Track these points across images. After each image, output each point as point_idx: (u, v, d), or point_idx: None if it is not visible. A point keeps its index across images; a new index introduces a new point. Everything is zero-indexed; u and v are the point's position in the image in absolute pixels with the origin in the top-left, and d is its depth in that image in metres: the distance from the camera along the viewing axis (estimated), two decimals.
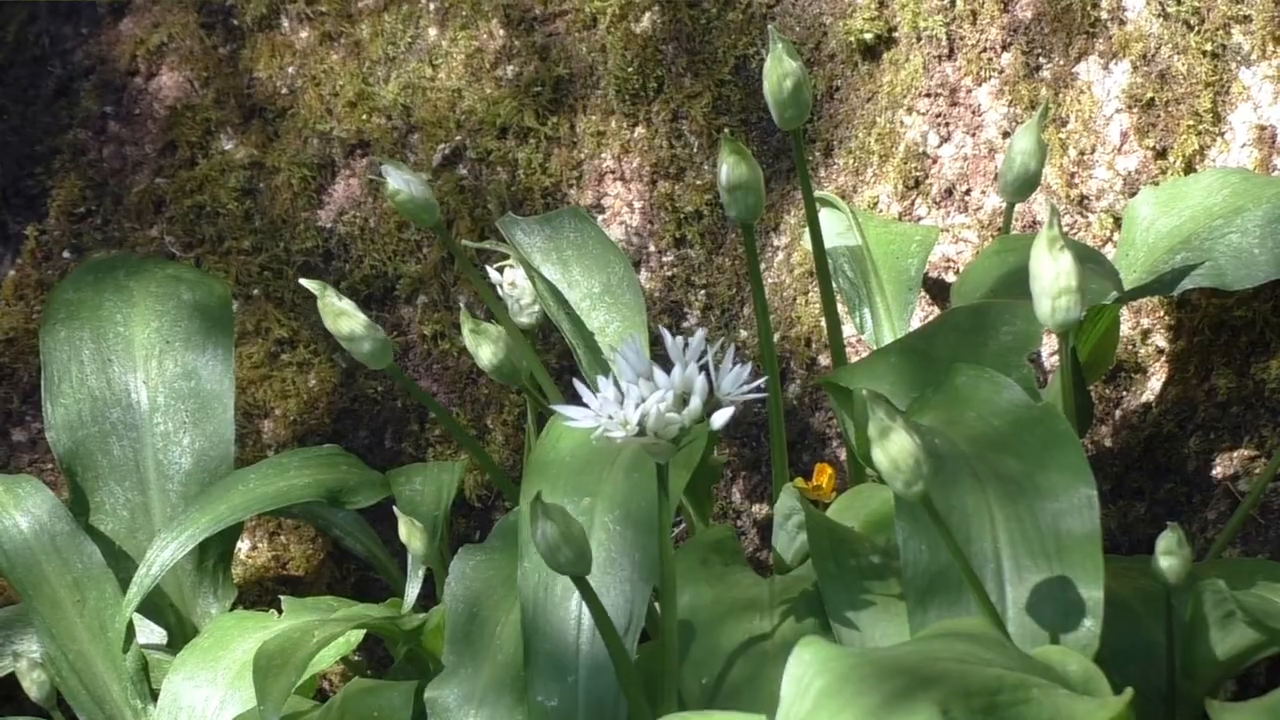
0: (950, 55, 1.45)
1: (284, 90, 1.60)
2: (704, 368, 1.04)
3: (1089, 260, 1.19)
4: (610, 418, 1.03)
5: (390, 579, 1.43)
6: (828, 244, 1.36)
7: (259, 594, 1.55)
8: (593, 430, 1.03)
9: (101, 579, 1.34)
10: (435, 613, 1.28)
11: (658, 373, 1.04)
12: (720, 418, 1.04)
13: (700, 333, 1.06)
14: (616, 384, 1.04)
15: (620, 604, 1.13)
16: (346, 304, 1.26)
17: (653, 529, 1.14)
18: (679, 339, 1.05)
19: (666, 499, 1.08)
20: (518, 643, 1.15)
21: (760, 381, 1.04)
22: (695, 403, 1.04)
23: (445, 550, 1.34)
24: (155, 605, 1.40)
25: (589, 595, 1.09)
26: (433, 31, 1.57)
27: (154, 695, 1.32)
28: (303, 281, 1.27)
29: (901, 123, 1.46)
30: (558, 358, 1.50)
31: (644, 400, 1.04)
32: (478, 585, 1.20)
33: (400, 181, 1.27)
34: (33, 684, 1.33)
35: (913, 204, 1.46)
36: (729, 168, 1.21)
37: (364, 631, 1.27)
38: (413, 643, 1.28)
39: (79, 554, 1.34)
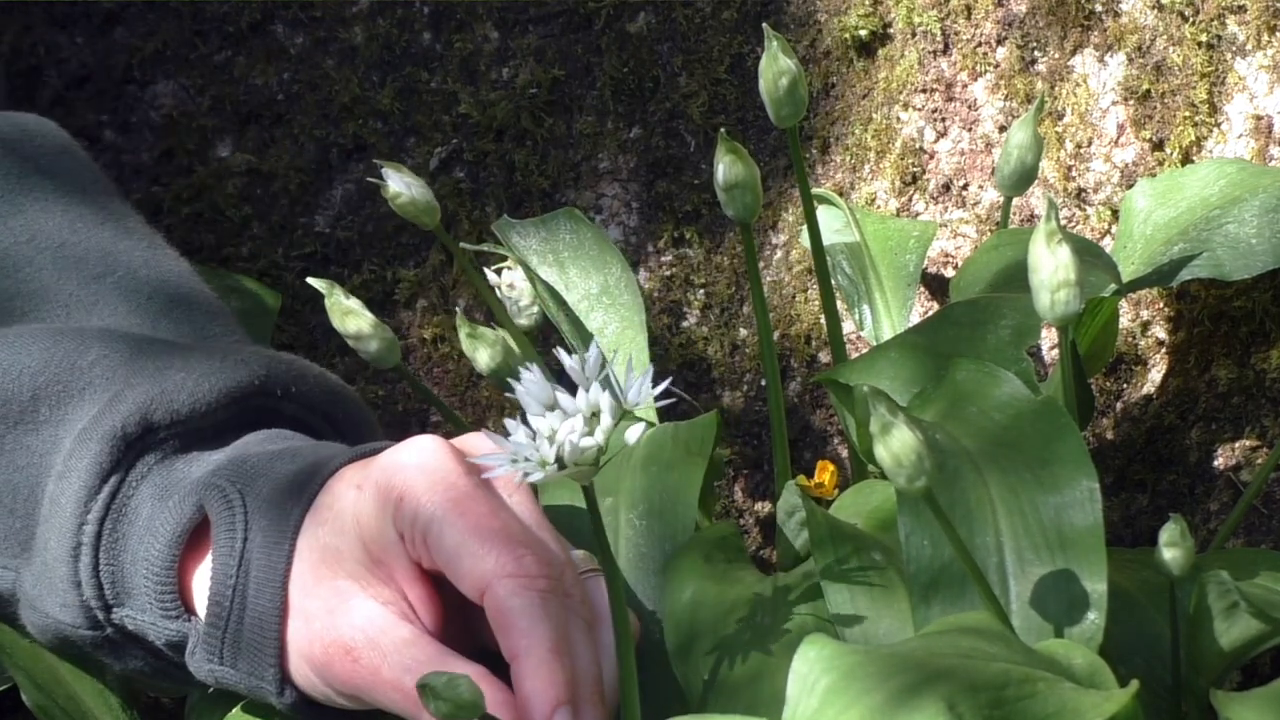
0: (945, 50, 1.45)
1: (280, 96, 1.60)
2: (607, 383, 1.02)
3: (1087, 253, 1.19)
4: (527, 459, 1.01)
5: None
6: (826, 241, 1.36)
7: None
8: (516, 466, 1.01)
9: None
10: None
11: (563, 398, 1.01)
12: (633, 434, 1.02)
13: (595, 348, 1.03)
14: (525, 421, 1.01)
15: (657, 595, 1.13)
16: (354, 303, 1.25)
17: (676, 518, 1.14)
18: (575, 357, 1.02)
19: (599, 516, 1.06)
20: None
21: (664, 385, 1.02)
22: (606, 420, 1.01)
23: None
24: None
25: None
26: (427, 35, 1.57)
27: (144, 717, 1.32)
28: (310, 280, 1.26)
29: (898, 119, 1.46)
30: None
31: (554, 432, 1.01)
32: None
33: (401, 184, 1.27)
34: None
35: (910, 199, 1.46)
36: (726, 166, 1.21)
37: None
38: None
39: None
